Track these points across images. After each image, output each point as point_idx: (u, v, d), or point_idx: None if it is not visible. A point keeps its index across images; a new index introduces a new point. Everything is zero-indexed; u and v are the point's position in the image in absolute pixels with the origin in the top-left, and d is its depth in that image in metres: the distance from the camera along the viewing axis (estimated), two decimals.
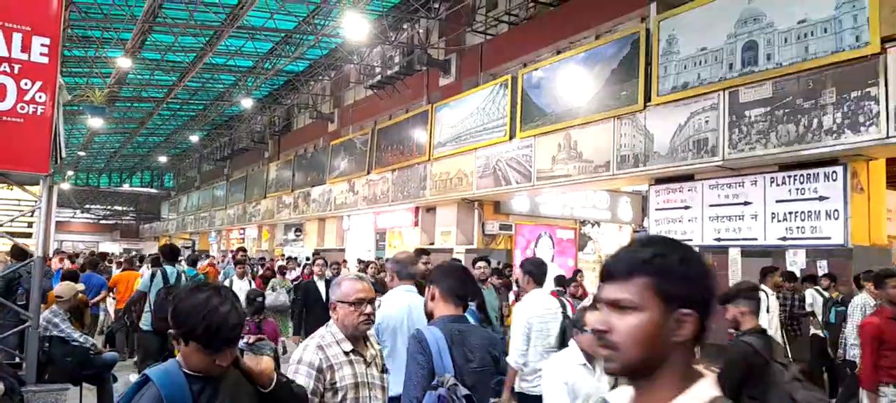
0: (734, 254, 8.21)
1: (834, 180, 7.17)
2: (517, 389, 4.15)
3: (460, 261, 9.20)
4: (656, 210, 9.35)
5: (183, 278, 7.03)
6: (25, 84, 4.99)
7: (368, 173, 16.43)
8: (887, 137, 6.33)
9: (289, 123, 25.61)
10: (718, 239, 8.39)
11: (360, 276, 2.65)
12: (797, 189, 7.57)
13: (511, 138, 11.51)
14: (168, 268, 6.92)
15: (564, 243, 14.97)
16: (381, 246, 17.57)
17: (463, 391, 2.38)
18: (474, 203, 13.27)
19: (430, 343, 2.53)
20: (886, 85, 6.37)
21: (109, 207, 49.73)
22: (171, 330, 1.82)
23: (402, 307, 3.53)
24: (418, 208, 15.05)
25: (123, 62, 17.23)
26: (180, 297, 1.83)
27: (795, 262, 7.65)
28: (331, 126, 21.69)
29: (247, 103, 22.31)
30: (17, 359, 5.65)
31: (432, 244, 14.36)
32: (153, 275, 6.92)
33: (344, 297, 2.49)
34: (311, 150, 22.15)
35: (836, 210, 7.14)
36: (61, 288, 6.13)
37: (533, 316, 4.19)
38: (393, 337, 3.46)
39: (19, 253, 6.34)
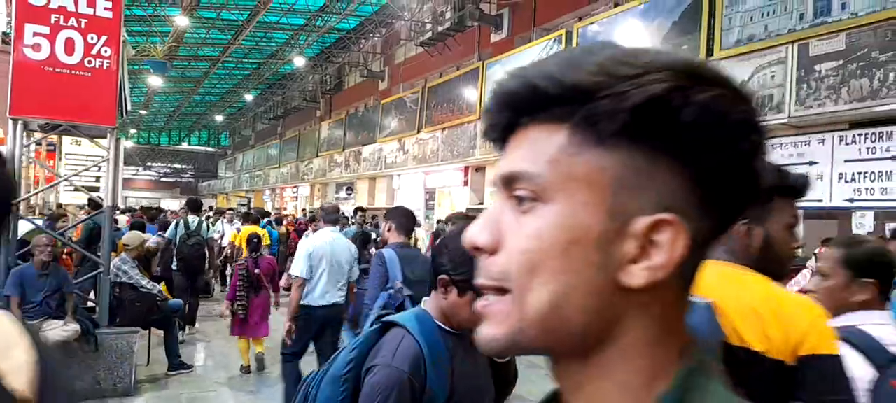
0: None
1: None
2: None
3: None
4: None
5: (203, 225, 8.25)
6: (92, 38, 5.17)
7: (419, 132, 16.45)
8: None
9: (340, 82, 25.82)
10: None
11: None
12: (868, 147, 7.18)
13: None
14: (191, 218, 8.15)
15: None
16: (431, 206, 17.67)
17: (407, 291, 3.51)
18: None
19: (388, 260, 3.86)
20: None
21: (169, 165, 51.57)
22: (442, 276, 1.59)
23: (327, 241, 4.99)
24: (468, 167, 15.03)
25: (181, 20, 17.62)
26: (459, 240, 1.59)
27: (863, 224, 7.31)
28: (381, 84, 21.74)
29: (299, 61, 22.56)
30: (91, 303, 5.99)
31: (481, 203, 14.36)
32: (177, 224, 8.12)
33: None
34: (362, 109, 22.31)
35: None
36: (129, 237, 6.43)
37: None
38: (322, 262, 4.87)
39: (97, 205, 6.71)
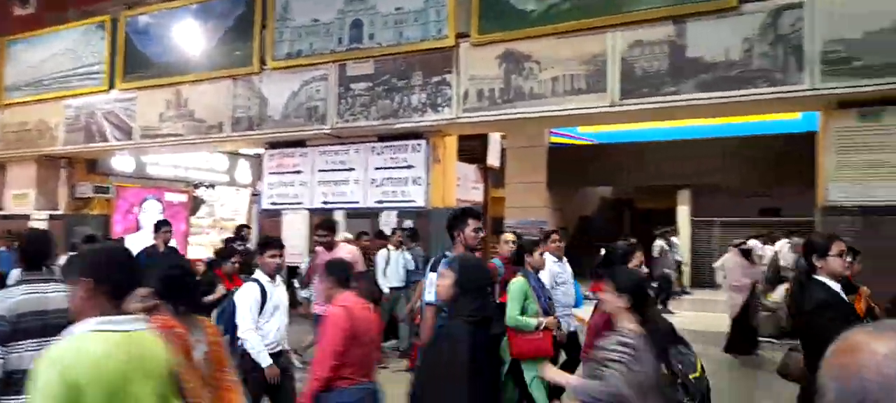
0: (339, 216, 8.90)
1: (418, 152, 8.34)
2: None
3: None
4: (270, 173, 9.46)
5: None
6: None
7: None
8: (457, 118, 7.64)
9: None
10: (326, 202, 8.96)
11: None
12: (391, 158, 8.56)
13: (110, 89, 10.14)
14: None
15: (176, 206, 13.99)
16: None
17: None
18: (61, 160, 11.32)
19: None
20: (458, 74, 7.67)
21: None
22: None
23: None
24: None
25: None
26: None
27: (389, 222, 8.72)
28: None
29: None
30: None
31: (1, 210, 11.80)
32: None
33: None
34: None
35: (420, 177, 8.34)
36: None
37: None
38: None
39: None
